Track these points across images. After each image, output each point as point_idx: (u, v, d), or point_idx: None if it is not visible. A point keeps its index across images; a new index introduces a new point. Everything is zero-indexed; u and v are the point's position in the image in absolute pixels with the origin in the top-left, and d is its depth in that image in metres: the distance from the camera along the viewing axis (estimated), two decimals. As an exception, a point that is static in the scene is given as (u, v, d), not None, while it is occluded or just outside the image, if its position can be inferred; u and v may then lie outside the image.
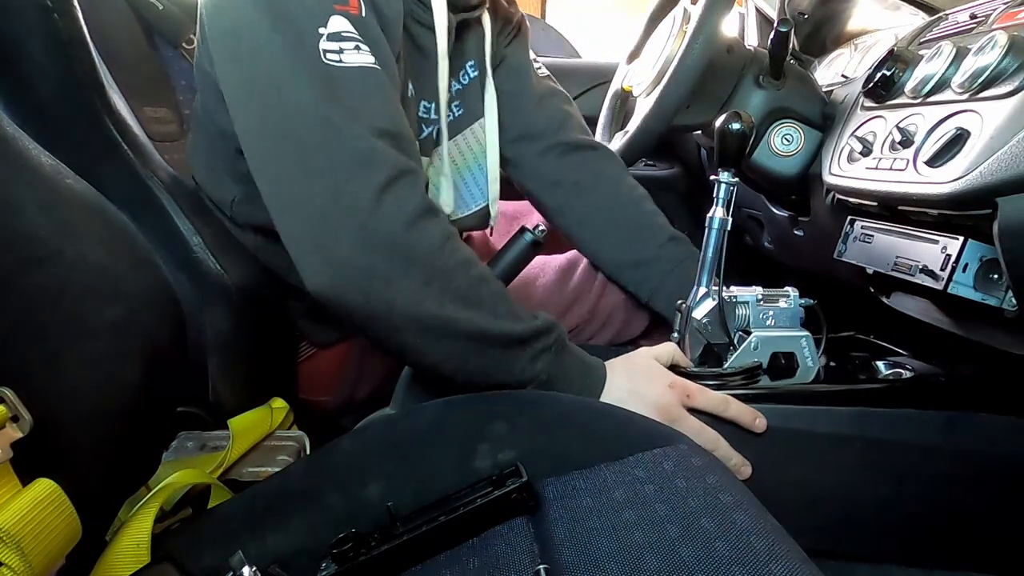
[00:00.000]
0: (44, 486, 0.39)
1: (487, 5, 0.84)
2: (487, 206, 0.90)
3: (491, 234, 1.07)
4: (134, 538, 0.49)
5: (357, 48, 0.60)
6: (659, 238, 0.91)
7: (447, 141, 0.82)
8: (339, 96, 0.58)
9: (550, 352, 0.63)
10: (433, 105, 0.80)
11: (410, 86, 0.75)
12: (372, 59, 0.61)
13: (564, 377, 0.63)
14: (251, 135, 0.61)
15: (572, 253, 0.99)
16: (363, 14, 0.61)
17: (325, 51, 0.58)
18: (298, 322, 0.88)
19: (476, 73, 0.86)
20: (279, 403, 0.78)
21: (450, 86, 0.82)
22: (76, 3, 0.70)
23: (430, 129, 0.81)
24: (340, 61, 0.59)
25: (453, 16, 0.77)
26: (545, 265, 0.96)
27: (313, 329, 0.89)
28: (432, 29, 0.75)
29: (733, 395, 0.66)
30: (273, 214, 0.60)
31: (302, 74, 0.58)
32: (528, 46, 0.95)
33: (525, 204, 1.04)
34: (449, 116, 0.84)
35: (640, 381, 0.65)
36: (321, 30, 0.58)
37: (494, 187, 0.89)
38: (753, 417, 0.64)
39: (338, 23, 0.59)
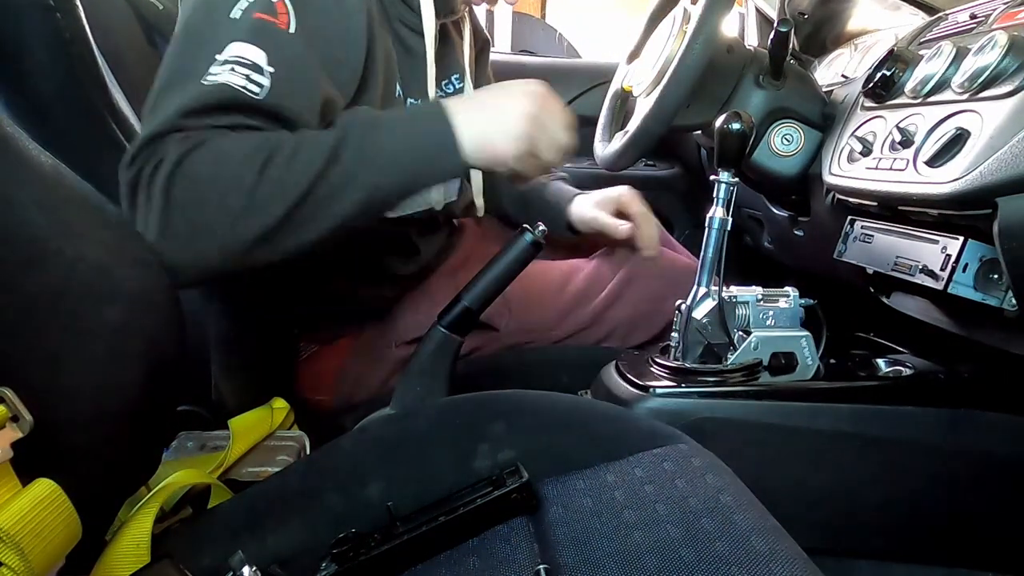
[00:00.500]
0: (44, 486, 0.39)
1: (467, 9, 0.89)
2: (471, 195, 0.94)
3: (479, 224, 1.09)
4: (134, 538, 0.48)
5: (233, 69, 0.58)
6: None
7: None
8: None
9: (362, 137, 0.60)
10: (420, 102, 0.82)
11: (397, 87, 0.78)
12: (242, 81, 0.58)
13: (403, 149, 0.62)
14: None
15: (574, 260, 1.00)
16: (291, 29, 0.61)
17: (210, 73, 0.57)
18: (298, 321, 0.88)
19: (460, 85, 0.91)
20: (279, 403, 0.78)
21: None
22: (78, 2, 0.70)
23: None
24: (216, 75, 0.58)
25: (437, 20, 0.80)
26: (547, 269, 0.97)
27: (313, 328, 0.89)
28: (418, 31, 0.78)
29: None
30: None
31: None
32: (488, 66, 1.06)
33: None
34: None
35: (498, 111, 0.64)
36: (217, 56, 0.58)
37: (476, 179, 0.93)
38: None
39: (236, 50, 0.58)
